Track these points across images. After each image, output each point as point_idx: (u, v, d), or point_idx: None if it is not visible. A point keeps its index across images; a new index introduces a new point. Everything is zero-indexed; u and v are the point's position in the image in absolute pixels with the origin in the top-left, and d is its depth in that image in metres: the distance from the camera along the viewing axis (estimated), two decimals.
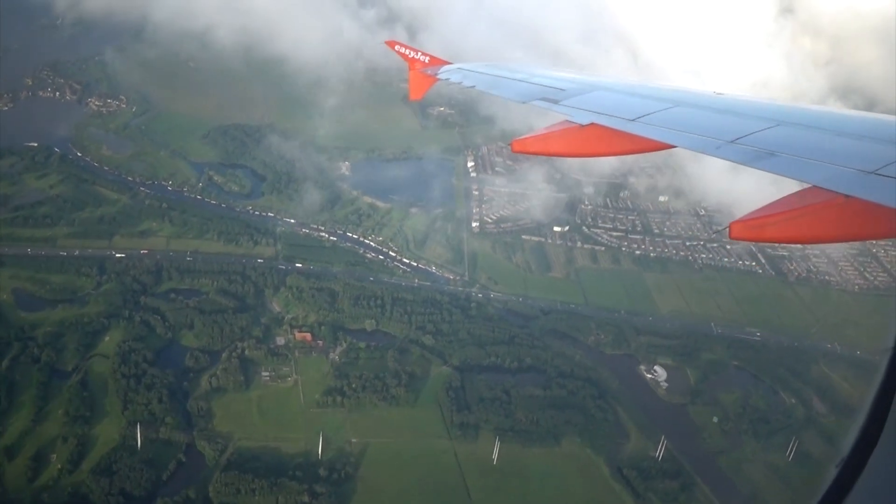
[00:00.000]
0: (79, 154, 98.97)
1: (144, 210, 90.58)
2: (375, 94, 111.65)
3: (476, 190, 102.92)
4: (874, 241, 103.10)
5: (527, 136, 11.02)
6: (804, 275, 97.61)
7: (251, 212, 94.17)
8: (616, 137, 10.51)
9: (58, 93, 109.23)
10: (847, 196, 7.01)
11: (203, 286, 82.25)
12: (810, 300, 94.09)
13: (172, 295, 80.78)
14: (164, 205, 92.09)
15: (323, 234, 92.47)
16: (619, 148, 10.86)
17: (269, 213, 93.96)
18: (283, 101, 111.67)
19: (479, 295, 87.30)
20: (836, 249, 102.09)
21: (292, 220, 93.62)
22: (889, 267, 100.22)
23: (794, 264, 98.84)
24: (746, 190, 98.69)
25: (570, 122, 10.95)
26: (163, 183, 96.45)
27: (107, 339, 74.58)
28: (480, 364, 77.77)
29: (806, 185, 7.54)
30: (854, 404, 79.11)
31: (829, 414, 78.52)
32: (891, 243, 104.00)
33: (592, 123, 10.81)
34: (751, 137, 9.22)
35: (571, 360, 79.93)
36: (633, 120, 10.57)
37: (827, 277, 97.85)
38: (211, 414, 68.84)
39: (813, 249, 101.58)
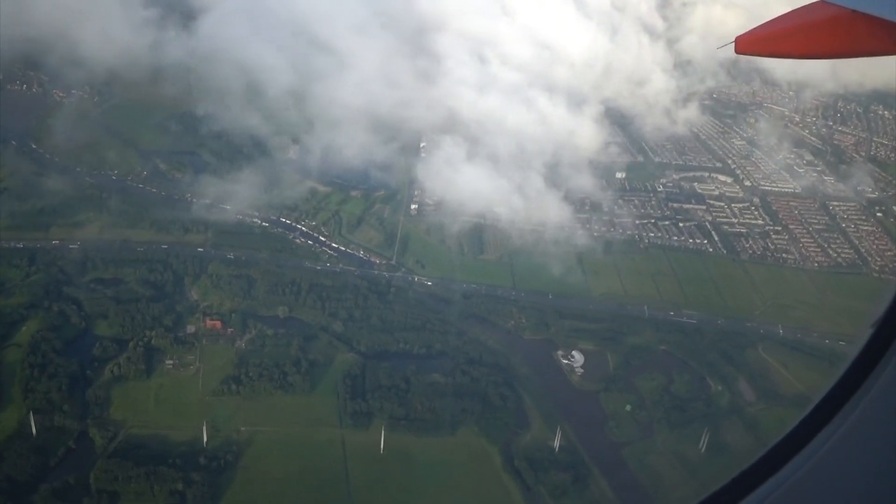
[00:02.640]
0: (33, 146, 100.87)
1: (84, 200, 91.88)
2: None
3: (423, 171, 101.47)
4: (844, 216, 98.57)
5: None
6: (759, 253, 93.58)
7: (189, 199, 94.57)
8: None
9: (25, 85, 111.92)
10: (854, 10, 6.89)
11: (126, 275, 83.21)
12: (761, 280, 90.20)
13: (93, 285, 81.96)
14: (104, 194, 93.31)
15: (256, 220, 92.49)
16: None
17: (207, 200, 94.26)
18: (229, 92, 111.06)
19: (402, 279, 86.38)
20: (800, 226, 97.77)
21: (228, 207, 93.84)
22: (857, 243, 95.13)
23: (751, 242, 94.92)
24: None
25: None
26: (108, 172, 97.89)
27: (24, 329, 75.93)
28: (388, 351, 77.11)
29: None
30: (788, 391, 76.34)
31: (756, 401, 75.82)
32: (863, 218, 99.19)
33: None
34: None
35: (484, 345, 78.58)
36: None
37: (784, 255, 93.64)
38: (108, 402, 69.76)
39: (775, 226, 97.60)
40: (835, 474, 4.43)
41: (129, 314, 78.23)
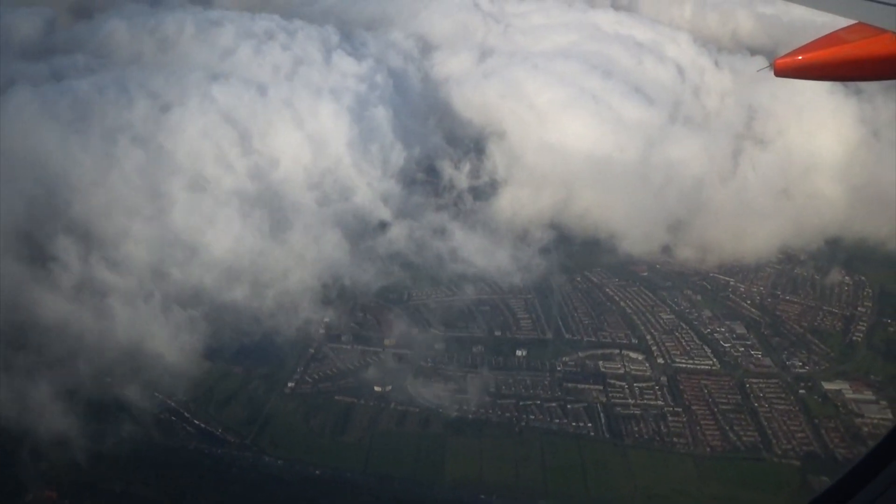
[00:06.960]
0: None
1: None
2: None
3: (313, 349, 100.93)
4: (760, 395, 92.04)
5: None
6: (647, 437, 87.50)
7: None
8: None
9: None
10: (894, 33, 6.90)
11: None
12: (640, 467, 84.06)
13: None
14: None
15: None
16: None
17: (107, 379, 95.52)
18: None
19: (250, 460, 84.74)
20: (705, 406, 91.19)
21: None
22: (765, 424, 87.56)
23: (642, 425, 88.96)
24: None
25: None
26: None
27: None
28: None
29: (851, 22, 7.65)
30: None
31: None
32: (782, 396, 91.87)
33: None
34: None
35: None
36: None
37: (676, 439, 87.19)
38: None
39: (675, 407, 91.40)
40: None
41: None
